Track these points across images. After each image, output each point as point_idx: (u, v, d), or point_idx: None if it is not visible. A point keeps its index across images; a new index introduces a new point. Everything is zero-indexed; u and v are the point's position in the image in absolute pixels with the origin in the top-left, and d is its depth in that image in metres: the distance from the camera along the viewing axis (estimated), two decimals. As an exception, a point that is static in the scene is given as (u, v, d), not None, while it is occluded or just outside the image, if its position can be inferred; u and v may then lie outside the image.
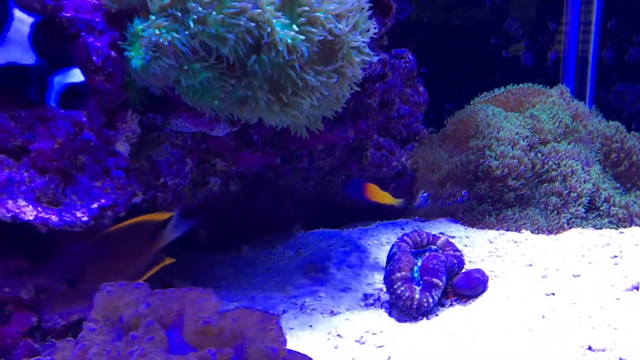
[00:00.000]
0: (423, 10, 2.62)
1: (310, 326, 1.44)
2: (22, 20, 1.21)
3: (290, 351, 1.24)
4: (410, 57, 2.21)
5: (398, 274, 1.46)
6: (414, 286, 1.45)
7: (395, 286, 1.46)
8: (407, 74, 2.23)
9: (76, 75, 1.26)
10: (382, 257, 1.78)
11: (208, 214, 1.98)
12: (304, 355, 1.25)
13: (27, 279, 1.47)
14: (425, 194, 2.20)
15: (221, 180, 1.87)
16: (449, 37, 2.78)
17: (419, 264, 1.51)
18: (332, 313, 1.51)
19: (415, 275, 1.48)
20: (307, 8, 1.39)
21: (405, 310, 1.45)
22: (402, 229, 2.01)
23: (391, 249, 1.54)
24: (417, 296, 1.44)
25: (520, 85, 2.37)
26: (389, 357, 1.27)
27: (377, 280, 1.67)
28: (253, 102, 1.44)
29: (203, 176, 1.83)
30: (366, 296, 1.59)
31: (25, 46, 1.22)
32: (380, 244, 1.87)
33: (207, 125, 1.63)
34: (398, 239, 1.56)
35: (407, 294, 1.44)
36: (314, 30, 1.39)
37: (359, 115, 2.08)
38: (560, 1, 3.08)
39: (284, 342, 1.23)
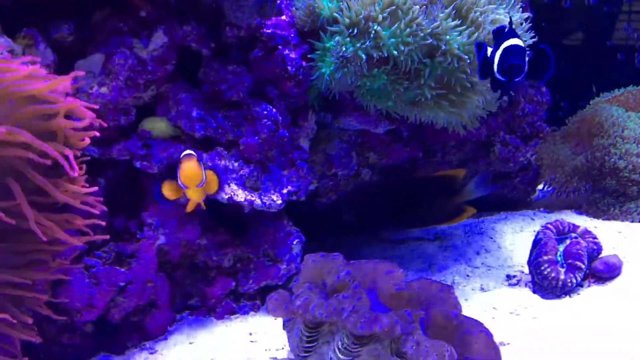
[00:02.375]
0: (542, 14, 2.80)
1: (466, 299, 1.72)
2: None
3: (465, 317, 1.52)
4: (535, 59, 2.43)
5: (545, 257, 1.71)
6: (559, 268, 1.71)
7: (542, 267, 1.71)
8: (532, 75, 2.44)
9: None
10: (517, 242, 2.03)
11: (355, 201, 2.29)
12: (477, 320, 1.53)
13: (229, 250, 1.82)
14: (548, 188, 2.42)
15: (371, 172, 2.17)
16: (566, 41, 2.96)
17: (561, 249, 1.76)
18: (482, 289, 1.78)
19: (559, 259, 1.73)
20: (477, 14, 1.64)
21: (550, 289, 1.70)
22: (532, 219, 2.25)
23: (536, 235, 1.79)
24: (562, 277, 1.69)
25: (640, 87, 2.54)
26: (543, 328, 1.54)
27: (517, 263, 1.92)
28: (423, 102, 1.71)
29: (358, 168, 2.13)
30: (509, 277, 1.85)
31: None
32: (514, 231, 2.12)
33: (373, 123, 1.92)
34: (542, 226, 1.81)
35: (553, 275, 1.69)
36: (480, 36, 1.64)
37: (489, 114, 2.32)
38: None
39: (460, 309, 1.52)
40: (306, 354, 1.44)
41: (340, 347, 1.39)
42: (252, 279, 1.81)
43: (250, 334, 1.65)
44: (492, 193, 2.32)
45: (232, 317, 1.78)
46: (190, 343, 1.63)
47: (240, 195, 1.70)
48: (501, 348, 1.44)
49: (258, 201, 1.71)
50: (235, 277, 1.81)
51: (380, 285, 1.50)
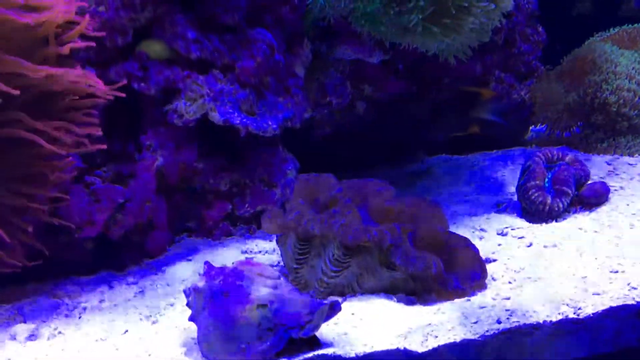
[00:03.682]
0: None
1: (454, 223, 1.77)
2: None
3: (452, 232, 1.58)
4: (533, -3, 2.44)
5: (532, 182, 1.76)
6: (546, 194, 1.76)
7: (529, 193, 1.76)
8: (529, 13, 2.46)
9: None
10: (507, 174, 2.08)
11: (349, 136, 2.33)
12: (464, 237, 1.59)
13: (225, 174, 1.87)
14: (542, 126, 2.46)
15: (366, 105, 2.21)
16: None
17: (549, 176, 1.81)
18: (472, 214, 1.84)
19: (547, 185, 1.78)
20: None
21: (537, 214, 1.75)
22: (524, 153, 2.30)
23: (525, 162, 1.83)
24: (548, 201, 1.74)
25: (635, 25, 2.56)
26: (531, 244, 1.60)
27: (506, 192, 1.97)
28: (415, 28, 1.73)
29: (352, 100, 2.17)
30: (498, 203, 1.91)
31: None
32: (505, 165, 2.17)
33: (367, 52, 1.95)
34: (532, 154, 1.86)
35: (540, 199, 1.74)
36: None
37: (485, 51, 2.35)
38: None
39: (447, 224, 1.58)
40: (298, 266, 1.51)
41: (330, 258, 1.45)
42: (248, 203, 1.86)
43: (245, 251, 1.72)
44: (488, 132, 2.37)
45: (228, 238, 1.84)
46: (188, 260, 1.69)
47: (236, 118, 1.74)
48: (488, 265, 1.50)
49: (253, 124, 1.75)
50: (232, 200, 1.86)
51: (371, 202, 1.56)
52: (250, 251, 1.72)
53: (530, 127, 2.48)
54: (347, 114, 2.15)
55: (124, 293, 1.55)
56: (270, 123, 1.78)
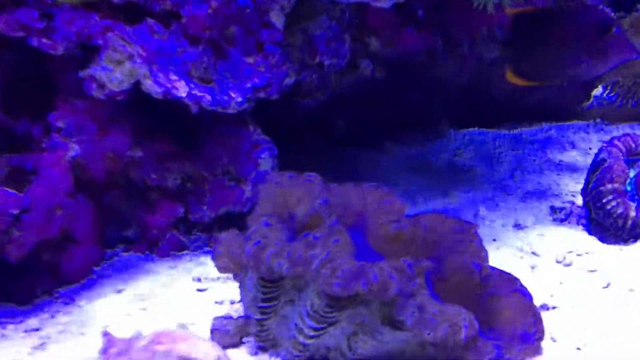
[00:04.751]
0: None
1: (494, 240, 1.27)
2: None
3: (493, 268, 1.09)
4: None
5: (609, 186, 1.24)
6: (628, 202, 1.24)
7: (604, 200, 1.24)
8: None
9: None
10: (566, 162, 1.56)
11: (351, 103, 1.81)
12: (509, 274, 1.10)
13: (174, 165, 1.38)
14: (609, 94, 1.90)
15: (373, 65, 1.67)
16: None
17: (632, 175, 1.28)
18: (518, 226, 1.33)
19: (629, 188, 1.26)
20: None
21: (614, 230, 1.24)
22: (587, 132, 1.75)
23: (598, 154, 1.31)
24: (632, 214, 1.22)
25: None
26: (608, 284, 1.09)
27: (565, 190, 1.46)
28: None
29: (353, 58, 1.63)
30: (554, 209, 1.39)
31: None
32: (562, 148, 1.63)
33: (374, -8, 1.40)
34: (606, 142, 1.32)
35: (619, 211, 1.22)
36: None
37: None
38: None
39: (486, 257, 1.07)
40: (263, 317, 1.03)
41: (309, 309, 0.98)
42: (207, 203, 1.39)
43: (199, 279, 1.24)
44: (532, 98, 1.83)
45: (180, 254, 1.37)
46: (118, 291, 1.23)
47: (182, 89, 1.24)
48: (543, 314, 1.03)
49: (208, 98, 1.25)
50: (184, 201, 1.39)
51: (371, 222, 1.06)
52: (206, 277, 1.25)
53: (593, 93, 1.92)
54: (346, 77, 1.63)
55: (17, 346, 1.09)
56: (233, 95, 1.28)
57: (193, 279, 1.26)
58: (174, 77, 1.24)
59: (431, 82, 1.87)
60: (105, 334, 0.84)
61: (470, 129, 1.89)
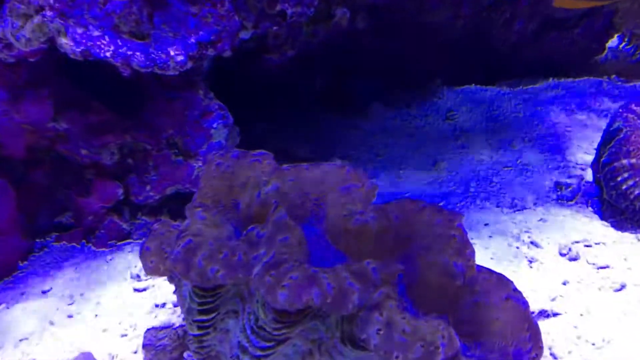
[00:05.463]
0: None
1: (486, 225, 1.08)
2: None
3: (480, 268, 0.90)
4: None
5: (625, 161, 1.04)
6: (649, 179, 1.03)
7: (619, 178, 1.04)
8: None
9: None
10: (574, 128, 1.35)
11: (325, 60, 1.58)
12: (499, 275, 0.91)
13: (110, 137, 1.18)
14: (625, 46, 1.66)
15: (350, 12, 1.44)
16: None
17: (653, 147, 1.07)
18: (514, 207, 1.13)
19: (649, 162, 1.05)
20: None
21: (629, 213, 1.05)
22: (599, 91, 1.52)
23: (612, 120, 1.10)
24: (652, 194, 1.02)
25: None
26: (623, 285, 0.90)
27: (572, 161, 1.25)
28: None
29: (327, 5, 1.40)
30: (558, 186, 1.19)
31: None
32: (570, 110, 1.42)
33: None
34: (620, 107, 1.12)
35: (637, 192, 1.02)
36: None
37: None
38: None
39: (471, 255, 0.88)
40: (200, 333, 0.85)
41: (253, 325, 0.79)
42: (150, 182, 1.22)
43: (139, 277, 1.06)
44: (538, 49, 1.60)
45: (121, 244, 1.20)
46: (43, 292, 1.06)
47: (106, 47, 1.03)
48: (542, 323, 0.86)
49: (139, 57, 1.05)
50: (125, 180, 1.19)
51: (331, 213, 0.86)
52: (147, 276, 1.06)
53: (608, 45, 1.68)
54: (320, 28, 1.40)
55: None
56: (173, 52, 1.08)
57: (131, 276, 1.08)
58: (96, 33, 1.03)
59: (420, 31, 1.63)
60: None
61: (466, 87, 1.66)
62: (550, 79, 1.66)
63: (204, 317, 0.87)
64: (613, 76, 1.64)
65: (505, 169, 1.27)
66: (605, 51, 1.76)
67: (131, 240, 1.21)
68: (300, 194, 0.90)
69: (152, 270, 0.91)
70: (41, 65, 1.08)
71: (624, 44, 1.67)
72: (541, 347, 0.84)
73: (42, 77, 1.10)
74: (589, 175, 1.17)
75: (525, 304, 0.87)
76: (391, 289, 0.80)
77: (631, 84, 1.57)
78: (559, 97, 1.50)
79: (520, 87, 1.66)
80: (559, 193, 1.18)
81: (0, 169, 1.13)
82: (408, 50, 1.67)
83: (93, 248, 1.19)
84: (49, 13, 1.01)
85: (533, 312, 0.88)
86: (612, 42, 1.73)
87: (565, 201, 1.14)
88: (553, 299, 0.90)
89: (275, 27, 1.26)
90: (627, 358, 0.78)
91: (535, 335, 0.85)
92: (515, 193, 1.18)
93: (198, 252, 0.82)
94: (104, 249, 1.19)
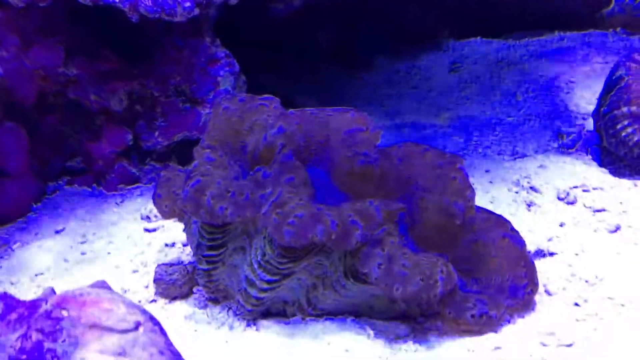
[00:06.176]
0: None
1: (487, 171, 1.11)
2: None
3: (479, 209, 0.93)
4: None
5: (625, 109, 1.06)
6: (648, 127, 1.06)
7: (618, 126, 1.06)
8: None
9: None
10: (578, 79, 1.36)
11: (331, 12, 1.58)
12: (498, 216, 0.94)
13: (119, 84, 1.20)
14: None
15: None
16: None
17: (654, 95, 1.09)
18: (516, 154, 1.16)
19: (649, 111, 1.07)
20: None
21: (627, 160, 1.07)
22: (603, 44, 1.52)
23: (613, 70, 1.12)
24: (650, 141, 1.05)
25: None
26: (618, 226, 0.93)
27: (574, 111, 1.27)
28: None
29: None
30: (559, 134, 1.21)
31: None
32: (573, 62, 1.43)
33: None
34: (622, 56, 1.13)
35: (635, 138, 1.05)
36: None
37: None
38: None
39: (471, 196, 0.91)
40: (209, 267, 0.90)
41: (260, 260, 0.84)
42: (158, 129, 1.25)
43: (149, 218, 1.10)
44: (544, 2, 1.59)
45: (130, 188, 1.23)
46: (57, 232, 1.10)
47: (115, -6, 1.03)
48: (539, 262, 0.91)
49: (147, 2, 1.05)
50: (133, 126, 1.23)
51: (335, 155, 0.89)
52: (156, 215, 1.14)
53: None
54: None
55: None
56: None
57: (142, 217, 1.12)
58: (104, -21, 1.04)
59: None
60: (4, 297, 0.71)
61: (472, 39, 1.66)
62: (556, 32, 1.66)
63: (213, 252, 0.91)
64: (619, 29, 1.64)
65: (509, 118, 1.29)
66: (612, 4, 1.75)
67: (140, 185, 1.25)
68: (305, 136, 0.93)
69: (167, 214, 0.94)
70: (51, 11, 1.10)
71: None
72: (536, 283, 0.88)
73: (53, 23, 1.12)
74: (590, 124, 1.20)
75: (521, 242, 0.91)
76: (393, 226, 0.84)
77: (637, 36, 1.57)
78: (564, 50, 1.51)
79: (526, 39, 1.66)
80: (560, 142, 1.20)
81: (12, 114, 1.16)
82: (414, 3, 1.67)
83: (104, 191, 1.23)
84: (57, -44, 1.02)
85: (530, 252, 0.92)
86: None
87: (565, 149, 1.17)
88: (550, 239, 0.94)
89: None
90: (618, 293, 0.82)
91: (530, 272, 0.88)
92: (517, 142, 1.21)
93: (207, 191, 0.85)
94: (114, 193, 1.23)
